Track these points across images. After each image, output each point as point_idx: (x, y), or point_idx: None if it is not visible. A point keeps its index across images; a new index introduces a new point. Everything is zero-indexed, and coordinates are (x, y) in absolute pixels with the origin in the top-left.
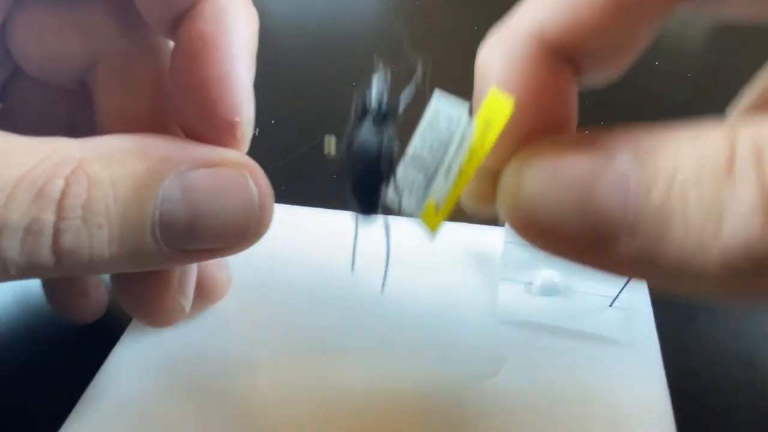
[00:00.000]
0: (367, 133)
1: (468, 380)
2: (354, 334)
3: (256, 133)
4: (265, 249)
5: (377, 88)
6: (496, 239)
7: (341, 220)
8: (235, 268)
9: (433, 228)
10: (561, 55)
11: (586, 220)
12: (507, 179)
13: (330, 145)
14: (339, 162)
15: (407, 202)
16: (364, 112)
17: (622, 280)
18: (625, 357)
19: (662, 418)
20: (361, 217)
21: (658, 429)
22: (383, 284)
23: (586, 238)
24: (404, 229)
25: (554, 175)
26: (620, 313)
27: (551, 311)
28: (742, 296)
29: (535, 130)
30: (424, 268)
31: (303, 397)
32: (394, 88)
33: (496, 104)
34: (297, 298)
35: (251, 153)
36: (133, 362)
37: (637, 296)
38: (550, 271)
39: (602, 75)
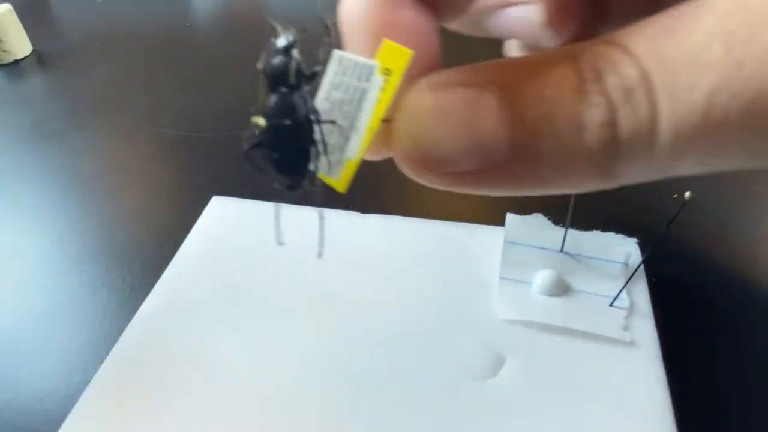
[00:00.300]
0: (284, 104)
1: (468, 379)
2: (354, 334)
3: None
4: (268, 248)
5: (285, 54)
6: (496, 239)
7: (346, 220)
8: (238, 269)
9: (343, 186)
10: None
11: (474, 146)
12: (401, 123)
13: (258, 122)
14: (257, 138)
15: (329, 164)
16: (274, 81)
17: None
18: (625, 356)
19: (662, 417)
20: (287, 189)
21: (657, 428)
22: (320, 250)
23: (475, 161)
24: (405, 230)
25: (441, 112)
26: (620, 312)
27: (551, 311)
28: (613, 180)
29: (413, 72)
30: (424, 268)
31: (303, 396)
32: (303, 51)
33: (393, 53)
34: (299, 296)
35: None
36: (133, 360)
37: (637, 296)
38: (550, 271)
39: (456, 13)
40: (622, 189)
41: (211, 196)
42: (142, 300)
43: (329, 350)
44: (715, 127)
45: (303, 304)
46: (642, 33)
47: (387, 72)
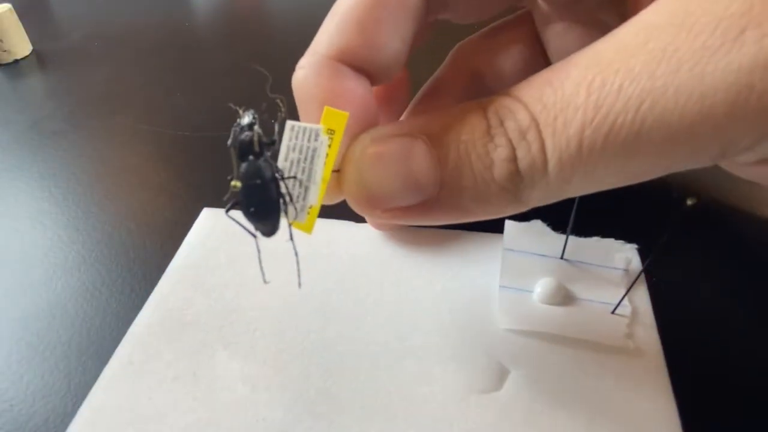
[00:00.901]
0: (253, 168)
1: (471, 393)
2: (353, 346)
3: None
4: (271, 254)
5: (249, 130)
6: (495, 247)
7: (341, 230)
8: (231, 283)
9: (309, 229)
10: (354, 66)
11: (409, 185)
12: (350, 171)
13: (236, 185)
14: (235, 197)
15: (296, 212)
16: (243, 152)
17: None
18: (628, 365)
19: (668, 426)
20: (264, 236)
21: None
22: (299, 281)
23: (412, 198)
24: (401, 239)
25: (382, 160)
26: (623, 320)
27: (553, 320)
28: (522, 204)
29: (356, 129)
30: (421, 277)
31: (298, 405)
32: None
33: (334, 116)
34: (296, 309)
35: None
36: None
37: (639, 303)
38: (551, 278)
39: (385, 80)
40: (623, 195)
41: (212, 196)
42: (143, 300)
43: (327, 363)
44: (587, 152)
45: (300, 317)
46: (530, 86)
47: (331, 132)
